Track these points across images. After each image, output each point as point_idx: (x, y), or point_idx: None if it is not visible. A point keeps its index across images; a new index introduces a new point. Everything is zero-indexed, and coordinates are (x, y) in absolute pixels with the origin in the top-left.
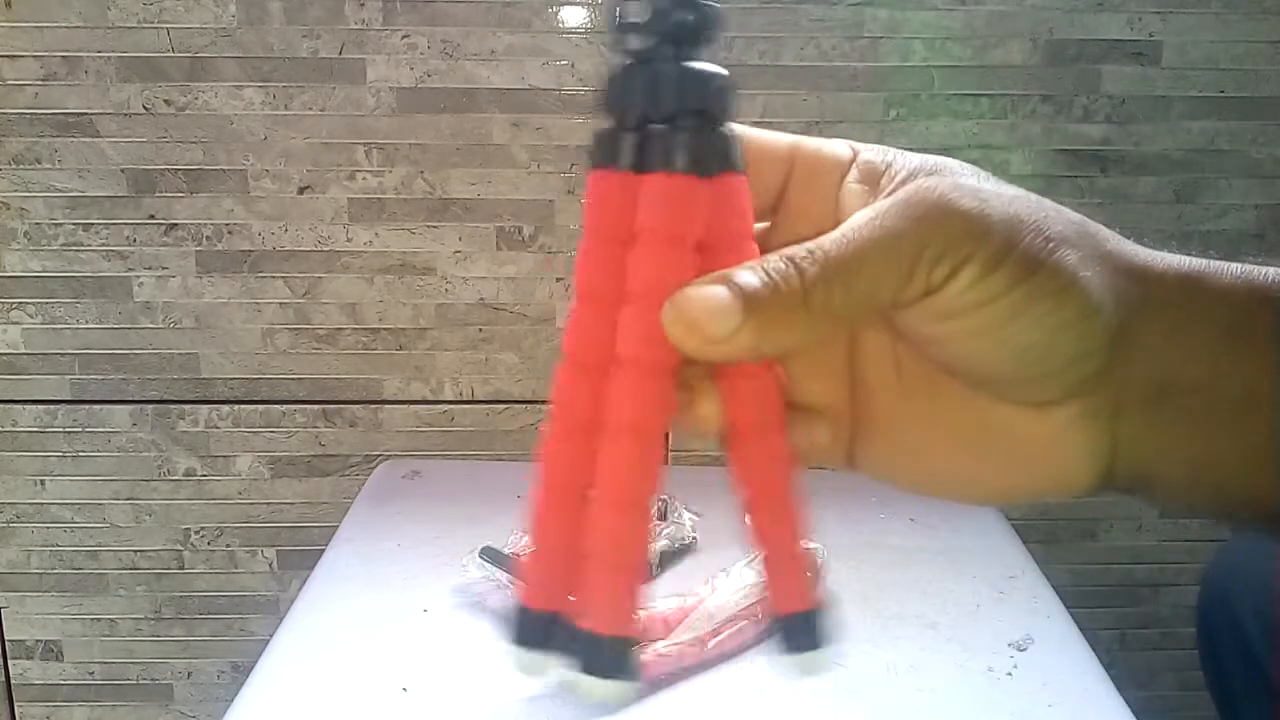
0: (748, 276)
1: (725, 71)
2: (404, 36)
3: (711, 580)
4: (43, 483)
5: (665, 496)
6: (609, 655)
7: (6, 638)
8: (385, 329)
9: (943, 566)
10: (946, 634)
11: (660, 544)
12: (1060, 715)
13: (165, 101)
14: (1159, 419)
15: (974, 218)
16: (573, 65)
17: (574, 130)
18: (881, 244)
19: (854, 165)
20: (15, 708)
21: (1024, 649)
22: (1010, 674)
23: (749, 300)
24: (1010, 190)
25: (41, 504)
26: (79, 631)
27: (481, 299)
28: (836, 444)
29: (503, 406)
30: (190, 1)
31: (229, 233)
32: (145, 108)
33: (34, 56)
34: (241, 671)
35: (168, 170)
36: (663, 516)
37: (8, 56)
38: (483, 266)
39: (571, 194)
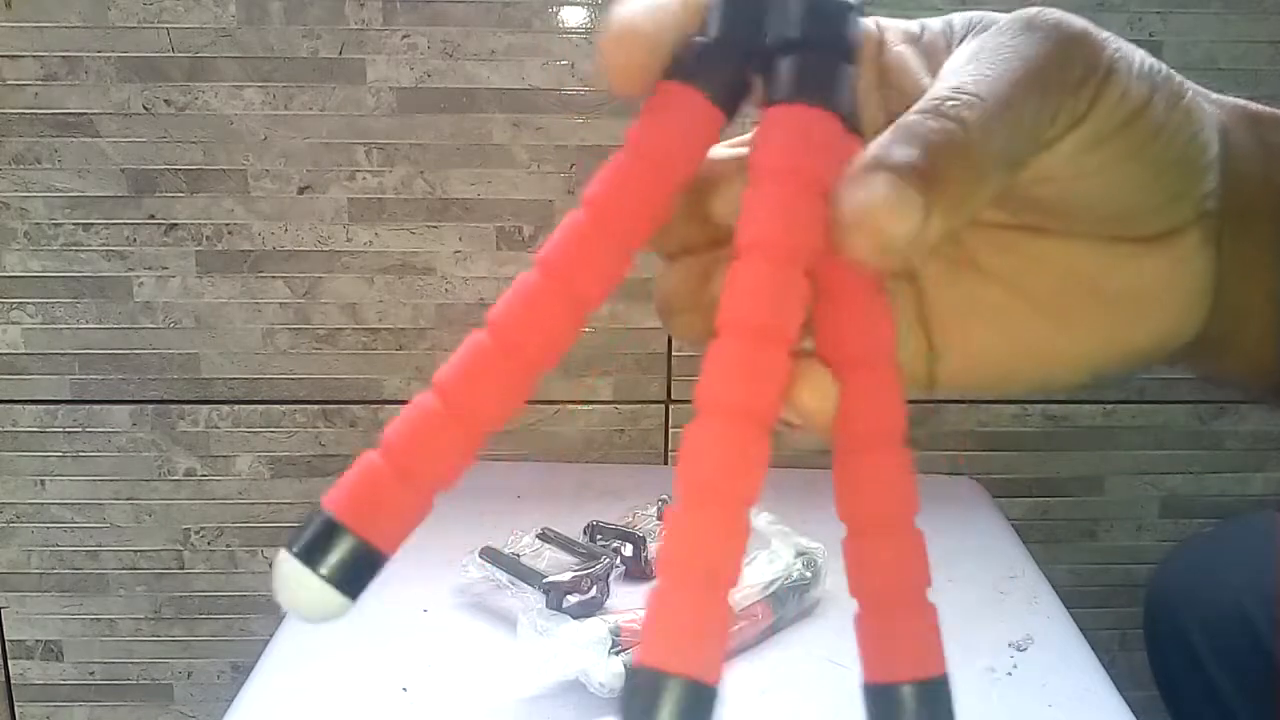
0: (905, 151)
1: None
2: (404, 36)
3: None
4: (43, 483)
5: (664, 497)
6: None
7: (6, 638)
8: (385, 329)
9: (943, 566)
10: (946, 634)
11: (660, 544)
12: (1060, 715)
13: (165, 101)
14: (1251, 242)
15: (1095, 34)
16: (573, 65)
17: (574, 130)
18: (1031, 68)
19: (885, 33)
20: (15, 708)
21: (1024, 649)
22: (1010, 674)
23: (925, 178)
24: None
25: (41, 504)
26: (79, 631)
27: (481, 299)
28: (916, 363)
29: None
30: (190, 1)
31: (229, 233)
32: (145, 108)
33: (34, 56)
34: (241, 671)
35: (168, 170)
36: (662, 516)
37: (8, 56)
38: (483, 266)
39: (571, 194)
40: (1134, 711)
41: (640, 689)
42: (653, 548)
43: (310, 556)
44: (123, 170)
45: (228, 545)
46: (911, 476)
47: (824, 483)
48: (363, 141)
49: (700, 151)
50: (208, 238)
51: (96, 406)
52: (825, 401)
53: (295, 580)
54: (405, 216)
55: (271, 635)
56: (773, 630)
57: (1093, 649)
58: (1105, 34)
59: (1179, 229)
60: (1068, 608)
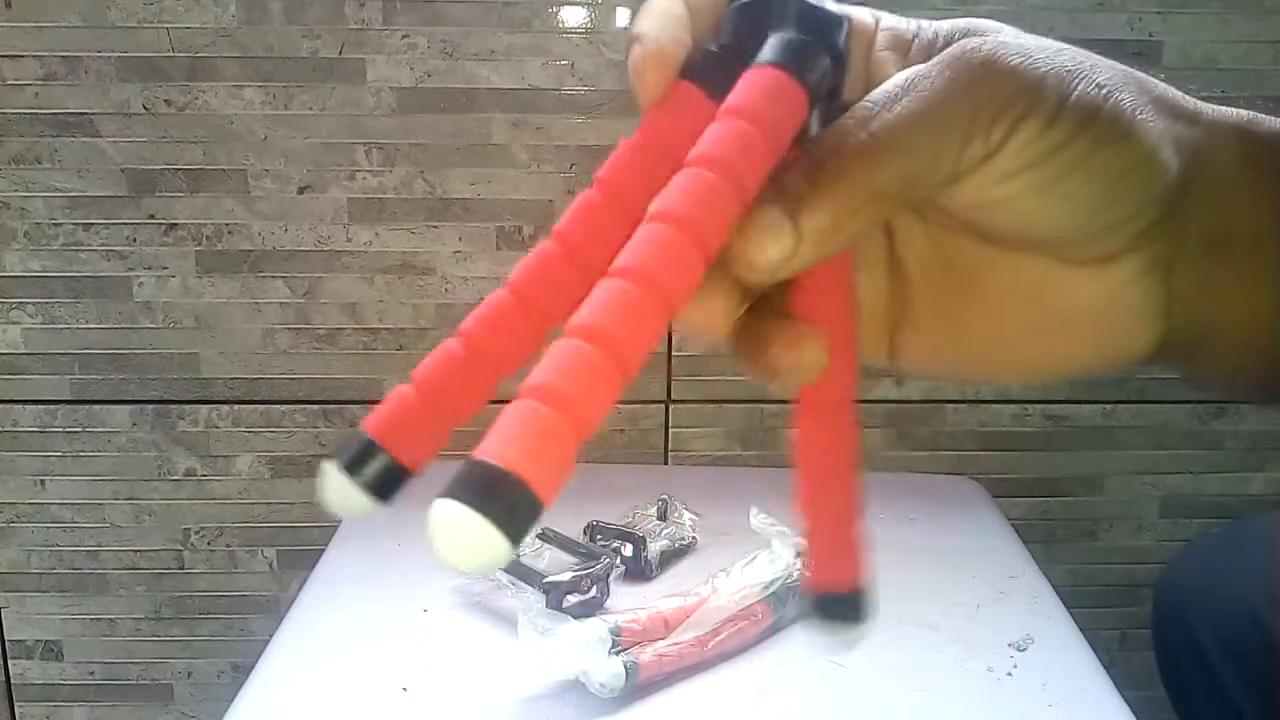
0: (794, 182)
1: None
2: (404, 36)
3: (711, 580)
4: (43, 483)
5: (665, 497)
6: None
7: (6, 638)
8: (385, 329)
9: (943, 566)
10: (946, 634)
11: (660, 544)
12: (1060, 715)
13: (165, 101)
14: (1216, 269)
15: (1024, 73)
16: (573, 65)
17: (574, 130)
18: (936, 106)
19: (878, 32)
20: (15, 708)
21: (1024, 649)
22: (1010, 674)
23: (797, 209)
24: (1054, 43)
25: (41, 504)
26: (79, 631)
27: (481, 299)
28: (879, 337)
29: (503, 407)
30: (190, 1)
31: (229, 233)
32: (145, 108)
33: (34, 56)
34: (241, 671)
35: (168, 170)
36: (663, 516)
37: (8, 56)
38: (483, 266)
39: (571, 194)
40: (1134, 711)
41: (472, 479)
42: (653, 548)
43: (352, 469)
44: (123, 170)
45: (228, 545)
46: (855, 433)
47: None
48: (363, 141)
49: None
50: (208, 238)
51: (96, 406)
52: (819, 361)
53: (339, 488)
54: (405, 216)
55: (271, 635)
56: (773, 630)
57: (1093, 649)
58: (1040, 67)
59: (1112, 256)
60: (1068, 608)
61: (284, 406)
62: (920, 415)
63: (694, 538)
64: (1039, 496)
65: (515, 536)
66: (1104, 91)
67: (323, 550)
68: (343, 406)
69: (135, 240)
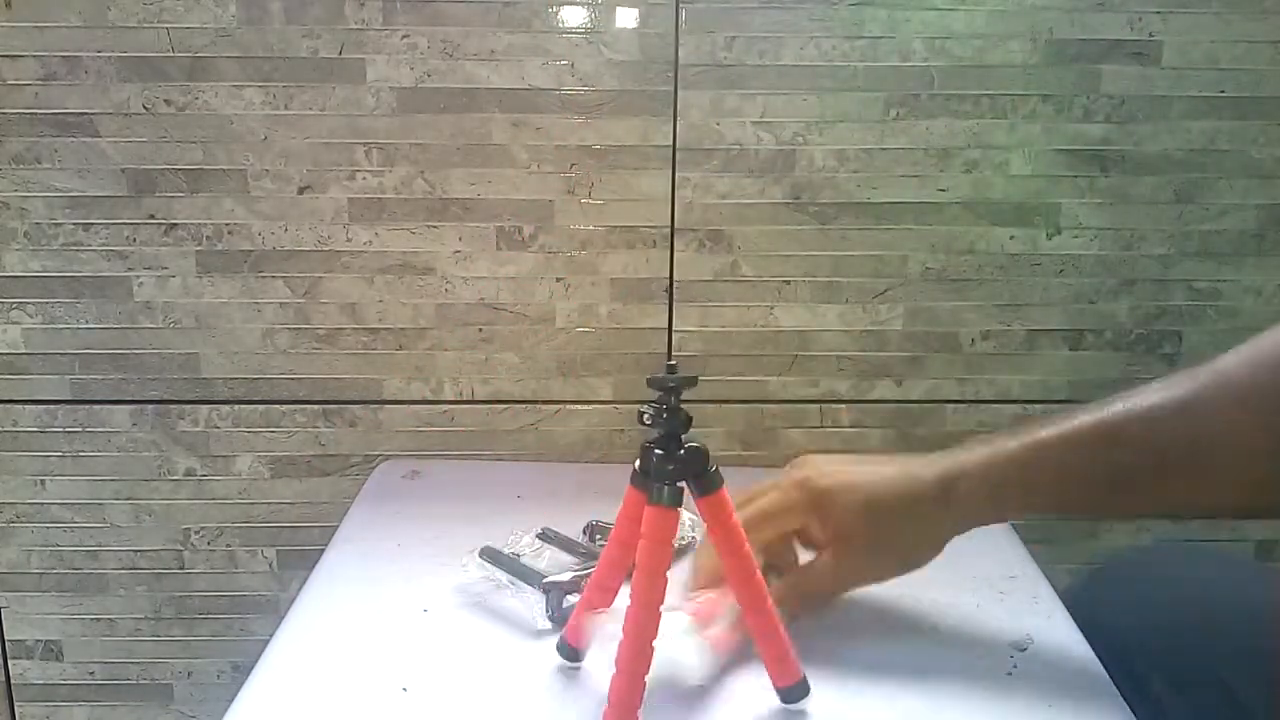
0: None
1: (701, 448)
2: (404, 36)
3: None
4: (43, 483)
5: None
6: None
7: (6, 638)
8: (385, 329)
9: (943, 566)
10: (946, 634)
11: None
12: (1060, 715)
13: (165, 101)
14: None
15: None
16: (573, 65)
17: (574, 130)
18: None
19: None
20: (15, 708)
21: (1024, 649)
22: (1010, 674)
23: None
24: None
25: (41, 504)
26: (79, 631)
27: (481, 299)
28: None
29: (503, 406)
30: (190, 1)
31: (229, 233)
32: (145, 108)
33: (34, 56)
34: (241, 671)
35: (168, 170)
36: None
37: (8, 56)
38: (483, 266)
39: (571, 194)
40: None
41: None
42: None
43: (569, 660)
44: (123, 170)
45: (228, 545)
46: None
47: None
48: (363, 141)
49: (637, 520)
50: (208, 238)
51: (96, 406)
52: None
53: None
54: (405, 216)
55: (271, 635)
56: None
57: (1093, 649)
58: (837, 499)
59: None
60: (1068, 608)
61: (284, 406)
62: (920, 415)
63: (694, 537)
64: None
65: None
66: (868, 535)
67: (323, 550)
68: (343, 406)
69: (135, 240)
